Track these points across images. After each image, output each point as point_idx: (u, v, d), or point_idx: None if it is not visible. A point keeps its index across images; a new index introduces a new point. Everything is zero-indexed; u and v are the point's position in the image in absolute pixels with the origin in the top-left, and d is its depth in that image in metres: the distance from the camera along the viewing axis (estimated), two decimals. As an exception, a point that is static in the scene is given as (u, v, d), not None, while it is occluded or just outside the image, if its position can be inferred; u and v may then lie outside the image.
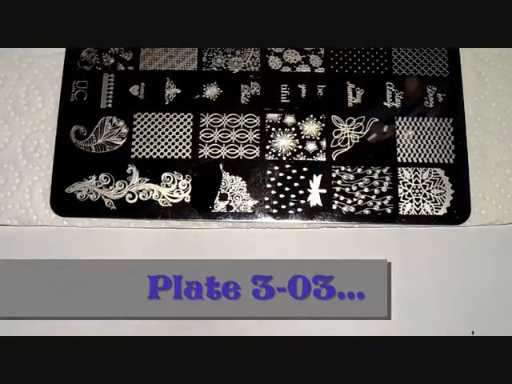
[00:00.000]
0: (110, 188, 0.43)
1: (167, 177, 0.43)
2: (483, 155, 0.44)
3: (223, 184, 0.43)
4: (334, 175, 0.43)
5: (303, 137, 0.43)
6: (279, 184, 0.43)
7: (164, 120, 0.44)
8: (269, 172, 0.43)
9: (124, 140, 0.43)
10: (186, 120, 0.44)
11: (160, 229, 0.43)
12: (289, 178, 0.43)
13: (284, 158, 0.43)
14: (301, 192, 0.43)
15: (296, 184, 0.43)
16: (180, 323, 0.41)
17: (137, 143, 0.43)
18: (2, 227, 0.43)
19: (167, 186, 0.43)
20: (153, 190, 0.43)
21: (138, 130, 0.44)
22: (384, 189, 0.43)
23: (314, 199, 0.42)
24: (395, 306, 0.42)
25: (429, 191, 0.43)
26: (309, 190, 0.43)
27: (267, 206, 0.42)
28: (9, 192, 0.43)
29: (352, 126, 0.44)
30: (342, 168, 0.43)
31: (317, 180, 0.43)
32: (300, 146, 0.43)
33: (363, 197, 0.43)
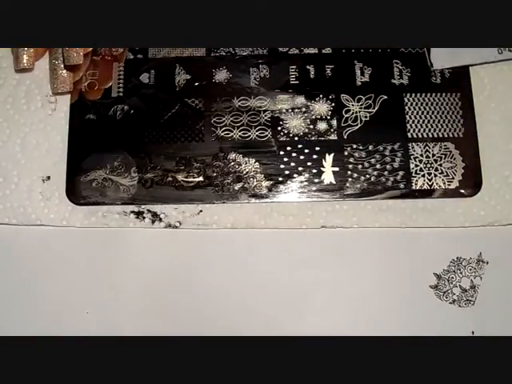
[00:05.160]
0: (126, 175, 0.43)
1: (181, 161, 0.43)
2: (482, 156, 0.44)
3: (237, 167, 0.43)
4: (346, 153, 0.43)
5: (314, 117, 0.44)
6: (293, 164, 0.43)
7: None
8: (282, 152, 0.43)
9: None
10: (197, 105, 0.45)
11: (159, 229, 0.43)
12: (302, 157, 0.43)
13: (296, 139, 0.44)
14: (314, 171, 0.43)
15: (309, 163, 0.43)
16: (180, 323, 0.42)
17: (149, 132, 0.44)
18: (0, 226, 0.43)
19: (180, 170, 0.43)
20: (167, 175, 0.43)
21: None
22: (396, 164, 0.43)
23: (328, 177, 0.43)
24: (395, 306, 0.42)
25: (440, 165, 0.43)
26: (322, 169, 0.43)
27: (281, 187, 0.43)
28: (7, 191, 0.43)
29: (361, 104, 0.44)
30: (354, 146, 0.43)
31: (329, 159, 0.43)
32: (311, 126, 0.44)
33: (376, 173, 0.43)
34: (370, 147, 0.43)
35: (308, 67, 0.45)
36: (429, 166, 0.43)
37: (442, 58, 0.44)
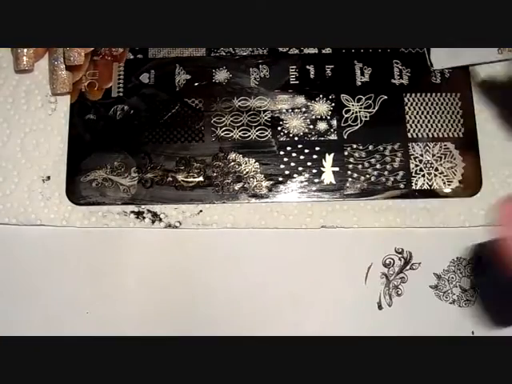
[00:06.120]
0: (125, 175, 0.43)
1: (181, 162, 0.43)
2: (482, 156, 0.44)
3: (237, 167, 0.43)
4: (346, 153, 0.43)
5: (314, 117, 0.44)
6: (293, 164, 0.43)
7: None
8: (282, 152, 0.44)
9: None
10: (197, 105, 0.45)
11: (159, 229, 0.43)
12: (302, 157, 0.43)
13: (296, 139, 0.44)
14: (314, 171, 0.43)
15: (309, 163, 0.43)
16: (180, 323, 0.42)
17: (149, 132, 0.44)
18: (1, 226, 0.43)
19: (180, 170, 0.43)
20: (167, 175, 0.43)
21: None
22: (396, 164, 0.43)
23: (328, 177, 0.43)
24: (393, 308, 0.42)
25: (440, 165, 0.43)
26: (322, 169, 0.43)
27: (281, 187, 0.43)
28: (7, 191, 0.43)
29: (361, 104, 0.44)
30: (354, 146, 0.44)
31: (329, 159, 0.43)
32: (311, 126, 0.44)
33: (376, 173, 0.43)
34: (370, 147, 0.44)
35: (308, 67, 0.45)
36: (429, 165, 0.43)
37: (442, 58, 0.44)
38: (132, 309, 0.42)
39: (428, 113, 0.44)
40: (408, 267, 0.43)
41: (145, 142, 0.44)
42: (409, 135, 0.44)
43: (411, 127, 0.44)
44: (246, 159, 0.43)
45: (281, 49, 0.45)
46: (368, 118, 0.44)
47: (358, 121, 0.44)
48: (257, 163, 0.43)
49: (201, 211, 0.43)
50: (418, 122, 0.44)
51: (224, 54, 0.45)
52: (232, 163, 0.43)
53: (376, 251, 0.43)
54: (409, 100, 0.44)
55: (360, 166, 0.43)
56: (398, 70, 0.45)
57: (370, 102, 0.44)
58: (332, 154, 0.43)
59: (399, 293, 0.42)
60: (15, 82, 0.45)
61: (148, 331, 0.41)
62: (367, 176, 0.43)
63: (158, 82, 0.45)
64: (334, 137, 0.44)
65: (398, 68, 0.45)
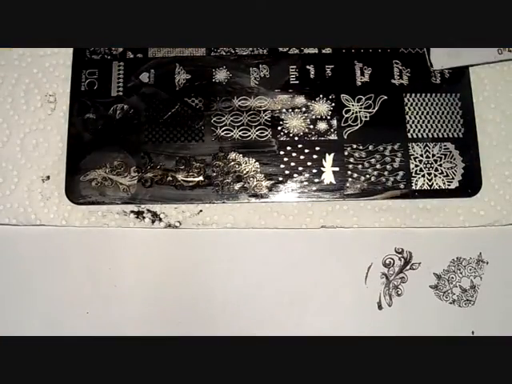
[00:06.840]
0: (125, 174, 0.43)
1: (181, 161, 0.43)
2: (482, 156, 0.44)
3: (237, 166, 0.43)
4: (346, 153, 0.43)
5: (314, 117, 0.44)
6: (293, 164, 0.43)
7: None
8: (282, 152, 0.44)
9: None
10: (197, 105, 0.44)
11: (159, 229, 0.43)
12: (302, 157, 0.43)
13: (296, 138, 0.44)
14: (314, 171, 0.43)
15: (309, 163, 0.43)
16: (180, 323, 0.42)
17: (148, 131, 0.44)
18: (1, 226, 0.43)
19: (180, 169, 0.43)
20: (167, 175, 0.43)
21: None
22: (396, 164, 0.43)
23: (328, 177, 0.43)
24: (393, 308, 0.42)
25: (440, 165, 0.43)
26: (322, 169, 0.43)
27: (281, 187, 0.43)
28: (7, 191, 0.43)
29: (361, 105, 0.44)
30: (354, 146, 0.44)
31: (329, 159, 0.43)
32: (311, 126, 0.44)
33: (376, 173, 0.43)
34: (370, 147, 0.44)
35: (308, 67, 0.45)
36: (429, 166, 0.43)
37: (442, 58, 0.44)
38: (132, 309, 0.42)
39: (428, 113, 0.44)
40: (408, 267, 0.43)
41: (144, 141, 0.44)
42: (409, 135, 0.44)
43: (411, 127, 0.44)
44: (246, 159, 0.43)
45: (281, 49, 0.45)
46: (368, 118, 0.44)
47: (358, 121, 0.44)
48: (257, 163, 0.43)
49: (201, 211, 0.43)
50: (418, 122, 0.44)
51: (224, 53, 0.45)
52: (232, 163, 0.43)
53: (376, 251, 0.43)
54: (409, 100, 0.44)
55: (360, 166, 0.43)
56: (398, 70, 0.45)
57: (370, 102, 0.44)
58: (332, 154, 0.43)
59: (399, 293, 0.42)
60: (14, 81, 0.45)
61: (148, 331, 0.41)
62: (367, 176, 0.43)
63: (157, 82, 0.44)
64: (334, 137, 0.44)
65: (397, 68, 0.45)
